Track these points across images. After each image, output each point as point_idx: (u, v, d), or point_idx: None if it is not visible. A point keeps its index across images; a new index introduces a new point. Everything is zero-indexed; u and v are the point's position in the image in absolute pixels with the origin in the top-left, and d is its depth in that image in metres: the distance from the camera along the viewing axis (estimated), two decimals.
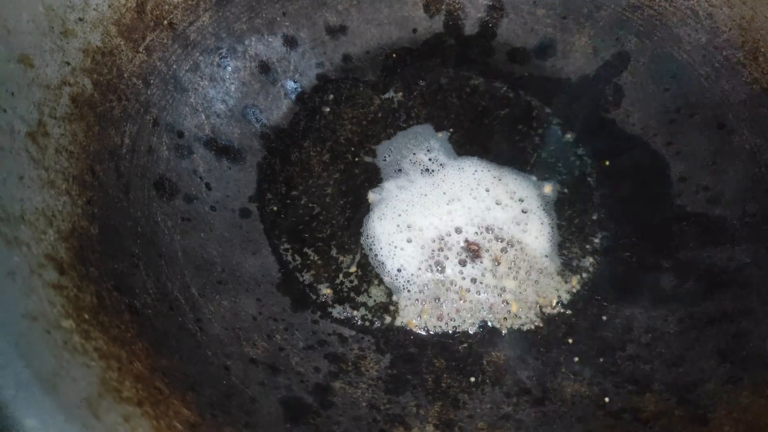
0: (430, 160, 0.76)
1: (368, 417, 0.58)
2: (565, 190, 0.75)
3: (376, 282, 0.68)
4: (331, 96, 0.82)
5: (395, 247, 0.70)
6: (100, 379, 0.41)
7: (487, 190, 0.73)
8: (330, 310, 0.66)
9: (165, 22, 0.69)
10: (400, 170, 0.76)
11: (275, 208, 0.73)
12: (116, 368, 0.44)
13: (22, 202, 0.48)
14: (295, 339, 0.63)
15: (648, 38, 0.78)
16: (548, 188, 0.74)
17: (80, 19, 0.61)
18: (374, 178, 0.75)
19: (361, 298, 0.67)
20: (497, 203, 0.73)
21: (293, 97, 0.80)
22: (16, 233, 0.45)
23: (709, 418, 0.53)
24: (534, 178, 0.75)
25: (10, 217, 0.46)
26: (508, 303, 0.67)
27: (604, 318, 0.66)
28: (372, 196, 0.74)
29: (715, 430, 0.51)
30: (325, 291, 0.68)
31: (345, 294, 0.68)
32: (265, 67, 0.78)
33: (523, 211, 0.72)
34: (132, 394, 0.43)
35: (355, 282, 0.68)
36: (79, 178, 0.56)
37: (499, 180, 0.74)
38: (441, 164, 0.76)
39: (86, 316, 0.46)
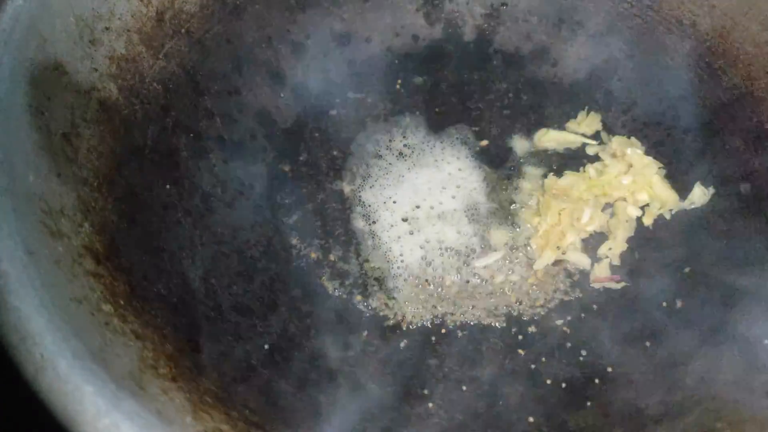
0: (412, 150, 0.82)
1: (376, 398, 0.62)
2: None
3: (380, 272, 0.73)
4: (337, 99, 0.86)
5: (392, 236, 0.75)
6: (139, 357, 0.46)
7: (484, 199, 0.78)
8: (339, 299, 0.71)
9: (182, 30, 0.74)
10: (379, 156, 0.81)
11: (285, 205, 0.77)
12: (151, 348, 0.48)
13: (61, 198, 0.52)
14: (307, 327, 0.67)
15: (636, 45, 0.83)
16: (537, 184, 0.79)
17: (106, 28, 0.65)
18: (361, 171, 0.80)
19: (367, 288, 0.72)
20: (490, 209, 0.78)
21: (301, 100, 0.84)
22: (58, 226, 0.50)
23: (686, 405, 0.58)
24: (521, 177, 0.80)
25: (52, 211, 0.50)
26: (507, 292, 0.71)
27: (595, 307, 0.70)
28: (347, 187, 0.79)
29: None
30: (333, 281, 0.72)
31: (352, 283, 0.72)
32: (274, 73, 0.83)
33: (511, 217, 0.77)
34: (166, 371, 0.47)
35: (361, 272, 0.73)
36: (108, 176, 0.60)
37: (484, 180, 0.80)
38: (420, 151, 0.82)
39: (122, 302, 0.51)
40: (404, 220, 0.76)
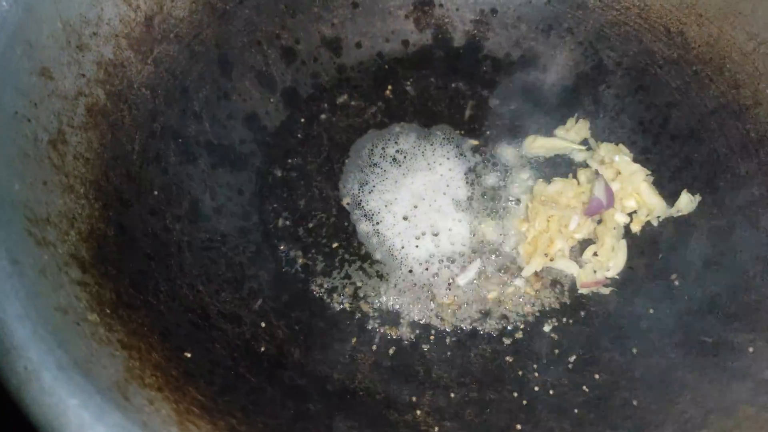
0: (405, 156, 0.82)
1: (364, 404, 0.62)
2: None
3: (369, 278, 0.73)
4: (326, 104, 0.86)
5: (395, 232, 0.75)
6: (125, 367, 0.46)
7: (482, 196, 0.79)
8: (328, 306, 0.71)
9: (171, 35, 0.73)
10: (374, 164, 0.81)
11: (274, 210, 0.77)
12: (137, 358, 0.48)
13: (47, 206, 0.52)
14: (296, 333, 0.67)
15: (624, 53, 0.83)
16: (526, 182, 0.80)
17: (94, 34, 0.64)
18: (358, 178, 0.80)
19: (355, 294, 0.72)
20: (483, 211, 0.78)
21: (291, 105, 0.84)
22: (43, 234, 0.49)
23: (671, 413, 0.59)
24: (510, 183, 0.80)
25: (38, 218, 0.50)
26: (495, 299, 0.72)
27: (582, 314, 0.71)
28: (345, 200, 0.79)
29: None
30: (322, 288, 0.72)
31: (342, 290, 0.72)
32: (263, 78, 0.82)
33: (500, 222, 0.77)
34: (153, 380, 0.47)
35: (350, 278, 0.73)
36: (95, 183, 0.60)
37: (474, 184, 0.80)
38: (413, 155, 0.82)
39: (108, 311, 0.50)
40: (405, 218, 0.77)
